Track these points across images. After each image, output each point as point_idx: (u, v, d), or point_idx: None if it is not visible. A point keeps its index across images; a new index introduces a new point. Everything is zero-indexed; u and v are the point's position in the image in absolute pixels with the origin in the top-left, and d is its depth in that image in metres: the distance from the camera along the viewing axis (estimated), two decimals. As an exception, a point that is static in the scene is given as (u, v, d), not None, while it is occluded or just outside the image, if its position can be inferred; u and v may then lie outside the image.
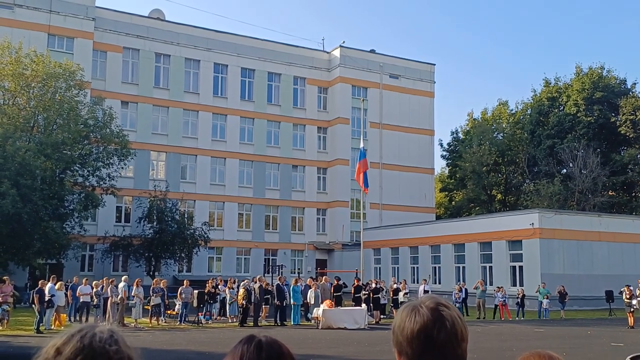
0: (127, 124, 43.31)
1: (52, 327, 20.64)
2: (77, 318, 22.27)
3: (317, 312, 22.24)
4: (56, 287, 20.89)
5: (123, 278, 22.60)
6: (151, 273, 37.42)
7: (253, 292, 22.99)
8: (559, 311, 28.61)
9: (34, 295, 19.75)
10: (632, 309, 23.64)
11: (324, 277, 26.36)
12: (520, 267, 34.94)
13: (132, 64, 45.51)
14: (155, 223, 37.99)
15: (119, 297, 21.57)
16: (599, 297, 31.61)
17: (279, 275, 28.42)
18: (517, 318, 27.82)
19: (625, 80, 54.90)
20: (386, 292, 26.77)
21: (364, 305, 23.65)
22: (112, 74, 44.18)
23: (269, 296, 23.15)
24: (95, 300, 21.71)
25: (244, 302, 22.52)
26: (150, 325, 22.12)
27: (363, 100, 36.95)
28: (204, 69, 47.62)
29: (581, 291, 33.19)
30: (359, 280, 26.15)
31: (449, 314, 1.62)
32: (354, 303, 24.53)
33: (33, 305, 20.45)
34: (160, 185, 39.89)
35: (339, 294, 24.11)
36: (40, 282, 20.86)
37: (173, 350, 15.87)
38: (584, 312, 31.16)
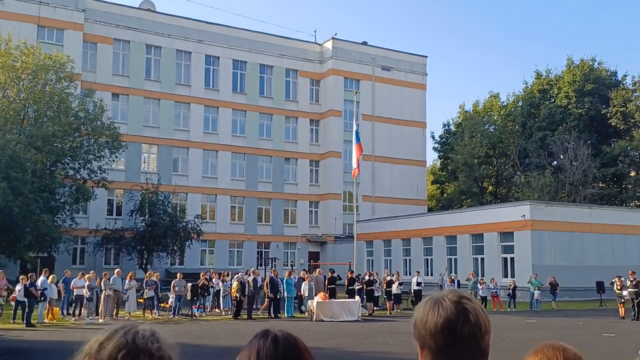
0: (118, 116, 43.06)
1: (45, 320, 20.56)
2: (70, 312, 22.14)
3: (311, 304, 22.28)
4: (48, 280, 20.79)
5: (116, 271, 22.54)
6: (143, 266, 37.35)
7: (247, 284, 22.98)
8: (550, 302, 28.84)
9: (27, 288, 19.62)
10: (622, 300, 23.87)
11: (317, 270, 26.40)
12: (512, 259, 35.17)
13: (123, 55, 45.18)
14: (147, 216, 37.96)
15: (112, 290, 21.51)
16: (589, 288, 31.89)
17: (272, 268, 28.38)
18: (508, 309, 28.01)
19: (616, 72, 55.25)
20: (379, 284, 26.84)
21: (357, 298, 23.71)
22: (103, 65, 43.85)
23: (267, 290, 23.08)
24: (89, 293, 21.61)
25: (237, 295, 22.51)
26: (143, 318, 22.04)
27: (356, 92, 36.68)
28: (195, 61, 47.36)
29: (572, 282, 33.46)
30: (352, 272, 26.22)
31: (472, 306, 1.61)
32: (347, 295, 24.60)
33: (9, 299, 20.41)
34: (152, 178, 39.76)
35: (333, 286, 24.16)
36: (29, 275, 20.74)
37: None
38: (575, 303, 31.43)
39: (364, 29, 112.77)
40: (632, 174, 52.09)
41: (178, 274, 24.46)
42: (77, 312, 21.83)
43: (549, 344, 1.82)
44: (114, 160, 36.94)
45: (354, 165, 28.70)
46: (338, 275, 25.49)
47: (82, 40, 42.58)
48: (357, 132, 28.73)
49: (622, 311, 23.74)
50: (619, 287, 24.20)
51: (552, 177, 48.18)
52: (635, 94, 51.41)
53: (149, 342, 1.31)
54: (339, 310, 22.15)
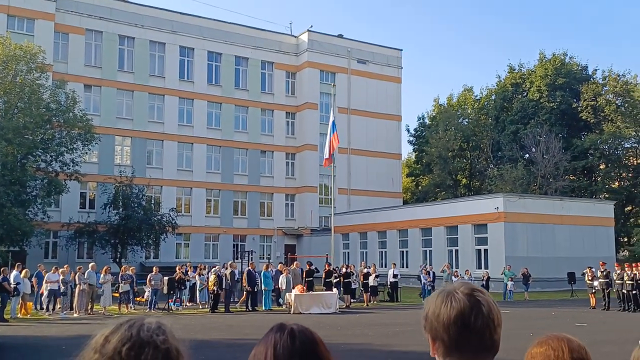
0: (91, 108, 42.37)
1: (18, 315, 20.22)
2: (44, 306, 21.80)
3: (289, 297, 22.31)
4: (21, 275, 20.43)
5: (91, 265, 22.28)
6: (117, 260, 36.97)
7: (224, 278, 22.89)
8: (523, 293, 29.35)
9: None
10: (593, 290, 24.43)
11: (295, 263, 26.42)
12: (486, 250, 35.68)
13: (95, 46, 44.41)
14: (121, 209, 37.54)
15: (87, 284, 21.24)
16: (561, 278, 32.57)
17: (249, 261, 28.33)
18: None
19: (587, 67, 56.22)
20: (356, 276, 26.99)
21: (335, 290, 23.81)
22: (75, 56, 43.05)
23: (245, 283, 23.05)
24: (63, 287, 21.30)
25: (215, 289, 22.42)
26: (119, 313, 21.84)
27: (334, 85, 36.72)
28: (169, 52, 46.80)
29: (544, 273, 34.12)
30: (329, 265, 26.31)
31: (484, 299, 1.64)
32: (324, 288, 24.69)
33: None
34: (125, 170, 39.27)
35: (311, 279, 24.22)
36: (2, 269, 20.33)
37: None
38: (547, 294, 32.06)
39: (340, 21, 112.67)
40: (602, 166, 53.22)
41: (154, 268, 24.26)
42: (51, 307, 21.50)
43: (553, 336, 1.86)
44: (86, 153, 36.27)
45: (325, 155, 28.69)
46: (316, 268, 25.55)
47: (54, 30, 41.73)
48: (333, 123, 28.74)
49: (593, 301, 24.31)
50: (590, 278, 24.77)
51: (524, 170, 48.92)
52: (605, 88, 52.41)
53: (154, 335, 1.31)
54: (316, 303, 22.23)
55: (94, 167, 42.05)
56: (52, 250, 40.63)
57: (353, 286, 26.35)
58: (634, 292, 22.66)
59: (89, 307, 21.50)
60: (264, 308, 23.20)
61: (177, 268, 24.93)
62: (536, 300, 27.97)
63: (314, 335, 1.47)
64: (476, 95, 64.17)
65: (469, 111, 62.88)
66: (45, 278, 21.80)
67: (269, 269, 24.16)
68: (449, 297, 1.63)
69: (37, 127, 31.84)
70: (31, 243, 33.40)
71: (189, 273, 25.42)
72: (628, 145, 52.20)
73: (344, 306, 24.30)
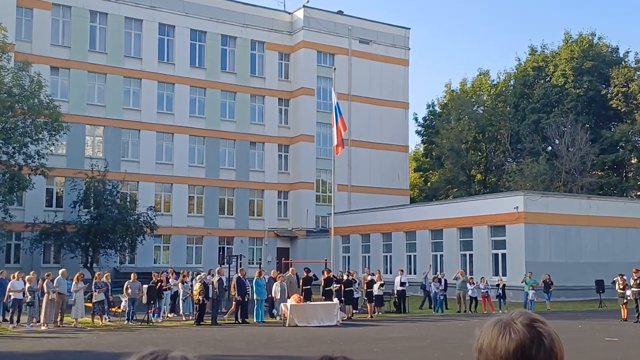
0: (58, 93, 42.27)
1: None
2: (7, 318, 21.80)
3: (284, 307, 22.39)
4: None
5: (61, 272, 22.27)
6: (88, 265, 37.04)
7: (211, 286, 22.95)
8: (544, 302, 29.45)
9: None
10: (625, 300, 24.49)
11: (290, 269, 26.51)
12: (504, 255, 35.85)
13: (63, 23, 44.29)
14: (92, 208, 37.63)
15: (57, 293, 21.24)
16: (587, 287, 32.72)
17: (238, 266, 28.40)
18: (500, 311, 28.55)
19: (618, 49, 56.39)
20: (359, 284, 27.07)
21: (335, 300, 23.90)
22: (40, 35, 42.93)
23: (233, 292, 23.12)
24: (29, 297, 21.28)
25: (200, 298, 22.48)
26: (92, 325, 21.88)
27: (333, 68, 36.67)
28: (147, 30, 46.70)
29: (569, 280, 34.29)
30: (329, 271, 26.40)
31: (546, 330, 1.68)
32: (323, 297, 24.76)
33: None
34: (97, 164, 39.21)
35: (308, 287, 24.30)
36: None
37: (123, 352, 15.68)
38: (572, 304, 32.21)
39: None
40: (634, 161, 53.39)
41: (132, 274, 24.30)
42: (15, 319, 21.49)
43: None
44: (53, 144, 36.37)
45: (335, 142, 28.66)
46: (314, 275, 25.63)
47: (16, 5, 41.58)
48: (337, 106, 28.81)
49: (624, 313, 24.38)
50: (621, 286, 24.83)
51: (546, 165, 49.12)
52: (638, 73, 52.57)
53: None
54: (314, 314, 22.31)
55: (62, 160, 41.98)
56: (14, 254, 40.63)
57: (355, 295, 26.42)
58: (670, 302, 22.76)
59: (59, 319, 21.49)
60: (255, 320, 23.26)
61: (152, 275, 24.93)
62: (560, 312, 28.11)
63: None
64: (493, 80, 64.32)
65: (484, 98, 63.00)
66: (8, 286, 21.77)
67: (262, 276, 24.21)
68: (506, 328, 1.67)
69: (-3, 115, 31.81)
70: (-9, 246, 33.43)
71: (170, 280, 25.45)
72: (663, 137, 52.48)
73: (346, 318, 24.35)
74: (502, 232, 35.99)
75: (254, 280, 23.83)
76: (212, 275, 24.43)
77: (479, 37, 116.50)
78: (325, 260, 30.47)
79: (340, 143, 28.49)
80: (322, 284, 25.60)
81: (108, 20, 45.53)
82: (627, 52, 55.94)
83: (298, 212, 50.06)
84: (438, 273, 31.84)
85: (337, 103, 28.99)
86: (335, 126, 28.51)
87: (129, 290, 22.86)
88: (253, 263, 45.93)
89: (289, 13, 52.79)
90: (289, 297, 23.16)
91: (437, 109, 65.68)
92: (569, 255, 35.53)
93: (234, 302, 23.79)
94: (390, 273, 39.76)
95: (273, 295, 24.29)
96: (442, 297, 28.02)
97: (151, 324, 22.33)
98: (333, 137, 29.23)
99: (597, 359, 13.71)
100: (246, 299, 23.40)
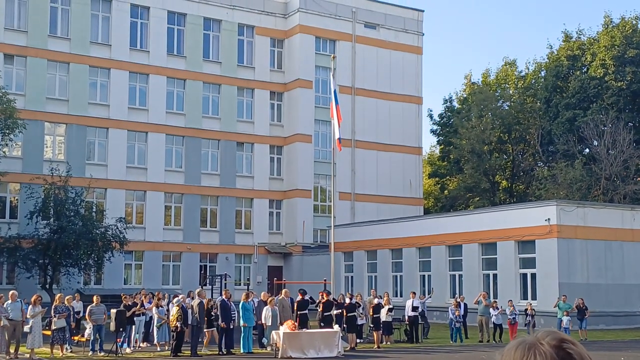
0: (13, 85, 42.42)
1: None
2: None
3: (276, 336, 22.37)
4: None
5: (10, 294, 22.22)
6: (47, 286, 37.03)
7: (190, 310, 22.90)
8: (577, 331, 29.35)
9: None
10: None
11: (283, 291, 26.47)
12: (533, 275, 35.84)
13: (19, 4, 44.46)
14: (52, 219, 37.77)
15: (8, 319, 21.22)
16: (632, 312, 32.77)
17: (222, 287, 28.41)
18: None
19: (666, 35, 56.41)
20: (364, 309, 27.06)
21: (336, 327, 23.88)
22: (-8, 17, 43.09)
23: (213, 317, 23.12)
24: (-23, 323, 21.26)
25: (178, 325, 22.44)
26: (51, 356, 21.84)
27: (334, 57, 36.74)
28: (117, 12, 46.84)
29: (609, 305, 34.29)
30: (328, 294, 26.37)
31: (576, 352, 1.68)
32: (322, 324, 24.72)
33: None
34: (58, 168, 39.21)
35: (304, 312, 24.29)
36: None
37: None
38: (613, 332, 32.18)
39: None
40: (685, 166, 53.50)
41: (95, 297, 24.20)
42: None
43: None
44: (7, 145, 36.41)
45: (336, 135, 28.58)
46: (311, 298, 25.62)
47: (-36, -18, 41.75)
48: (335, 93, 28.82)
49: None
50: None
51: (583, 170, 49.14)
52: (689, 63, 52.68)
53: None
54: (311, 344, 22.30)
55: (16, 163, 42.05)
56: (-40, 273, 40.67)
57: (359, 322, 26.38)
58: None
59: (13, 350, 21.44)
60: (242, 350, 23.25)
61: (122, 297, 24.89)
62: (599, 341, 28.09)
63: None
64: (520, 72, 64.46)
65: (510, 92, 63.10)
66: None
67: (250, 299, 24.20)
68: (531, 350, 1.68)
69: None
70: None
71: (143, 304, 25.43)
72: None
73: (348, 348, 24.36)
74: (531, 249, 35.97)
75: (241, 304, 23.81)
76: (192, 299, 24.40)
77: (504, 21, 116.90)
78: (325, 280, 30.50)
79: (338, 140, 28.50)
80: (321, 309, 25.59)
81: (72, 1, 45.63)
82: (677, 39, 56.05)
83: (293, 224, 50.05)
84: (456, 296, 31.80)
85: (335, 89, 28.95)
86: (334, 117, 28.43)
87: (93, 316, 22.79)
88: (240, 284, 45.87)
89: (283, -8, 52.99)
90: (281, 324, 23.15)
91: (456, 104, 65.77)
92: (610, 276, 35.51)
93: (207, 331, 23.72)
94: (401, 296, 39.74)
95: (263, 322, 24.26)
96: (459, 325, 27.96)
97: (120, 355, 22.32)
98: (334, 130, 29.12)
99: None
100: (232, 326, 23.34)
